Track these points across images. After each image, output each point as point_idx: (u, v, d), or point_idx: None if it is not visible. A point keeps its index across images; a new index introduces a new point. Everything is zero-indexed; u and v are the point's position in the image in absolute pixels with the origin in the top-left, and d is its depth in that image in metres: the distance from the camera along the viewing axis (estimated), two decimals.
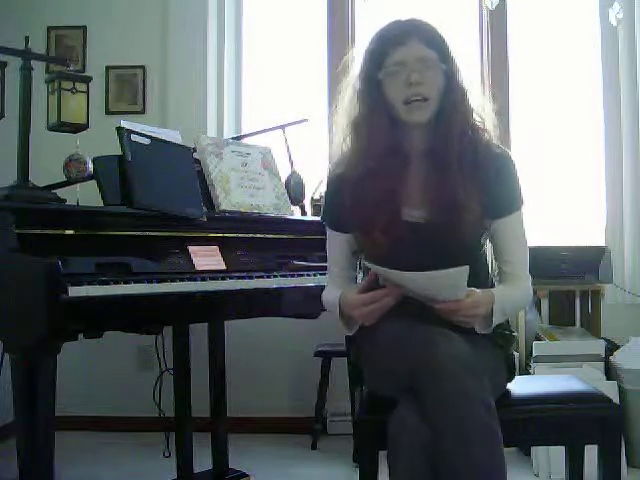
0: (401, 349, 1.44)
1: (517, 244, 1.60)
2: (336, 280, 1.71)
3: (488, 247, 1.69)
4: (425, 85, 1.51)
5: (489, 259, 1.71)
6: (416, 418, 1.35)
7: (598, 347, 2.70)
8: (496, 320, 1.50)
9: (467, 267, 1.38)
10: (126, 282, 1.66)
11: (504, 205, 1.58)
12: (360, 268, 1.77)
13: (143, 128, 2.12)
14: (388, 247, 1.55)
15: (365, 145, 1.57)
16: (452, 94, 1.54)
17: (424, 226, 1.56)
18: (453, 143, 1.52)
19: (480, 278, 1.63)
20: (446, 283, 1.41)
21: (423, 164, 1.59)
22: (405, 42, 1.52)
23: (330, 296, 1.66)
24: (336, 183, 1.65)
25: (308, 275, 2.10)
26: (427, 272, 1.40)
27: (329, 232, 1.72)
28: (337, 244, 1.70)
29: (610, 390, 2.35)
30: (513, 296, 1.58)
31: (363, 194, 1.56)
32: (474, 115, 1.58)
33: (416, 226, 1.56)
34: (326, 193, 1.73)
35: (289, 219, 2.36)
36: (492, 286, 1.64)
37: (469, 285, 1.51)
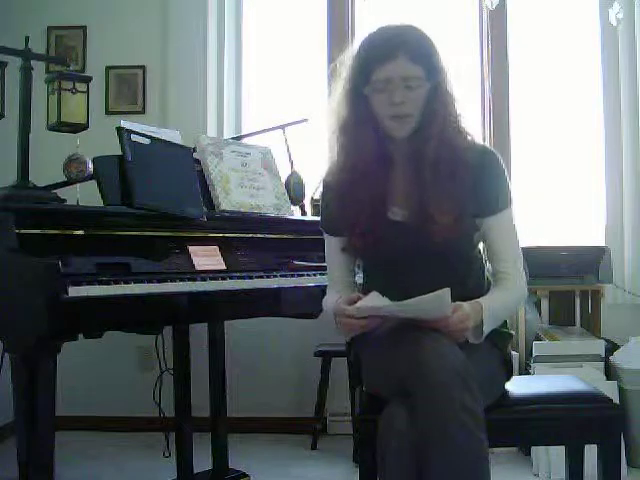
0: (394, 352, 1.46)
1: (508, 242, 1.61)
2: (336, 285, 1.74)
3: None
4: (407, 104, 1.53)
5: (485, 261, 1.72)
6: (405, 419, 1.36)
7: (598, 347, 2.70)
8: (487, 329, 1.51)
9: (448, 289, 1.39)
10: (126, 282, 1.66)
11: (492, 203, 1.59)
12: (359, 268, 1.78)
13: (143, 128, 2.13)
14: (373, 245, 1.58)
15: (350, 155, 1.61)
16: (434, 106, 1.56)
17: (404, 225, 1.59)
18: (429, 153, 1.55)
19: (473, 279, 1.64)
20: (429, 307, 1.42)
21: (406, 166, 1.62)
22: (391, 58, 1.52)
23: (328, 302, 1.68)
24: (327, 189, 1.71)
25: (308, 275, 2.10)
26: (407, 300, 1.41)
27: (326, 237, 1.75)
28: (333, 248, 1.72)
29: (610, 390, 2.35)
30: (505, 300, 1.59)
31: (349, 198, 1.60)
32: (457, 121, 1.59)
33: (399, 224, 1.60)
34: (322, 201, 1.76)
35: (289, 219, 2.36)
36: (488, 288, 1.65)
37: (462, 287, 1.53)
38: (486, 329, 1.50)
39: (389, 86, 1.52)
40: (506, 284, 1.60)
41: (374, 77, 1.53)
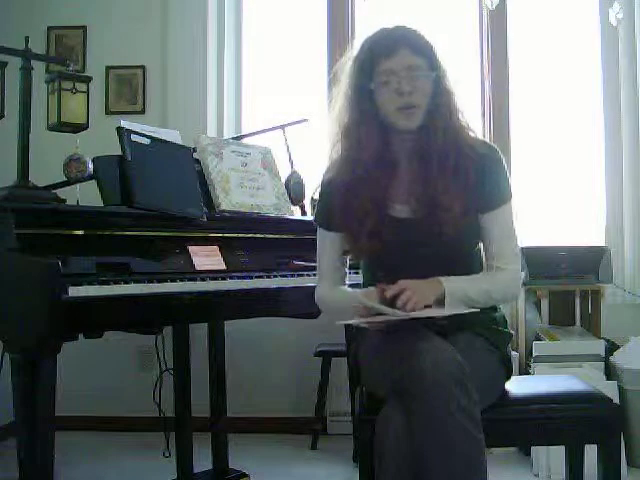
0: (391, 354, 1.46)
1: (506, 238, 1.61)
2: (328, 277, 1.74)
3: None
4: (415, 94, 1.54)
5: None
6: (402, 420, 1.36)
7: (598, 347, 2.70)
8: (451, 300, 1.50)
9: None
10: (126, 282, 1.66)
11: (491, 198, 1.59)
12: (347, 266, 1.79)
13: (143, 128, 2.13)
14: (382, 245, 1.58)
15: (355, 152, 1.61)
16: (438, 99, 1.57)
17: (409, 221, 1.59)
18: (436, 146, 1.56)
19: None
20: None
21: (410, 164, 1.63)
22: (394, 51, 1.54)
23: (326, 294, 1.70)
24: (328, 186, 1.71)
25: (308, 275, 2.10)
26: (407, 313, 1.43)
27: (321, 231, 1.75)
28: (329, 242, 1.72)
29: (610, 390, 2.35)
30: (483, 285, 1.57)
31: (352, 200, 1.60)
32: (459, 116, 1.60)
33: (402, 221, 1.60)
34: (319, 195, 1.76)
35: (289, 219, 2.36)
36: None
37: None
38: (450, 301, 1.50)
39: (394, 77, 1.53)
40: (495, 273, 1.60)
41: (378, 70, 1.55)
